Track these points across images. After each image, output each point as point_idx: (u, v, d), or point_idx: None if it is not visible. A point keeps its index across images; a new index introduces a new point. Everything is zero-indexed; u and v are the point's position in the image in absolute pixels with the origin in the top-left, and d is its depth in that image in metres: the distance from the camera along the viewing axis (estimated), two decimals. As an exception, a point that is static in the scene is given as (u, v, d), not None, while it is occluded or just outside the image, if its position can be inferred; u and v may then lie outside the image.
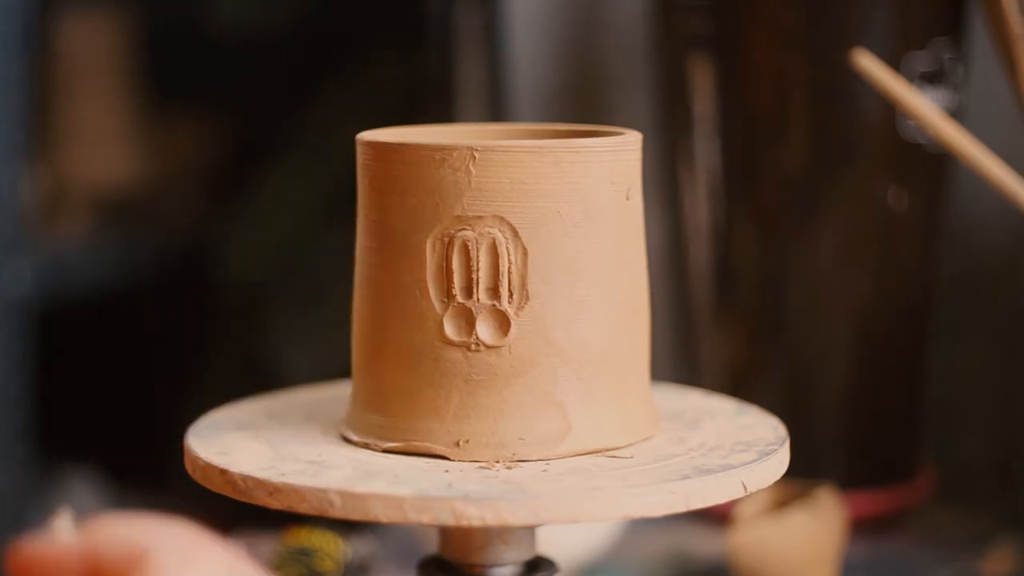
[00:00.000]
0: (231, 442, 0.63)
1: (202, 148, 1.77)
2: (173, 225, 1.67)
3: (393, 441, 0.61)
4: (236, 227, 1.62)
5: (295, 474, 0.58)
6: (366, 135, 0.63)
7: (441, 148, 0.60)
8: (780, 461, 0.61)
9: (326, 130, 1.60)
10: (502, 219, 0.59)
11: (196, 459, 0.61)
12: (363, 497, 0.56)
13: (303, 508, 0.57)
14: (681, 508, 0.57)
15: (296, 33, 1.77)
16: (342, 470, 0.59)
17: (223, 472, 0.60)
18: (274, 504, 0.58)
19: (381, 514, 0.56)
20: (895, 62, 0.98)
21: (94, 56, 1.66)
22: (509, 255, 0.59)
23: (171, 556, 0.48)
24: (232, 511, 0.71)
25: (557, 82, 1.30)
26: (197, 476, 0.61)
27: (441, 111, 1.35)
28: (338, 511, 0.56)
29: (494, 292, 0.60)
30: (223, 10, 1.80)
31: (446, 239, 0.60)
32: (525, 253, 0.59)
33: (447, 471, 0.59)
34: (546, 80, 1.30)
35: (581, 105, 1.30)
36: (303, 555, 0.94)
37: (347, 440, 0.63)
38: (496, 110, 1.31)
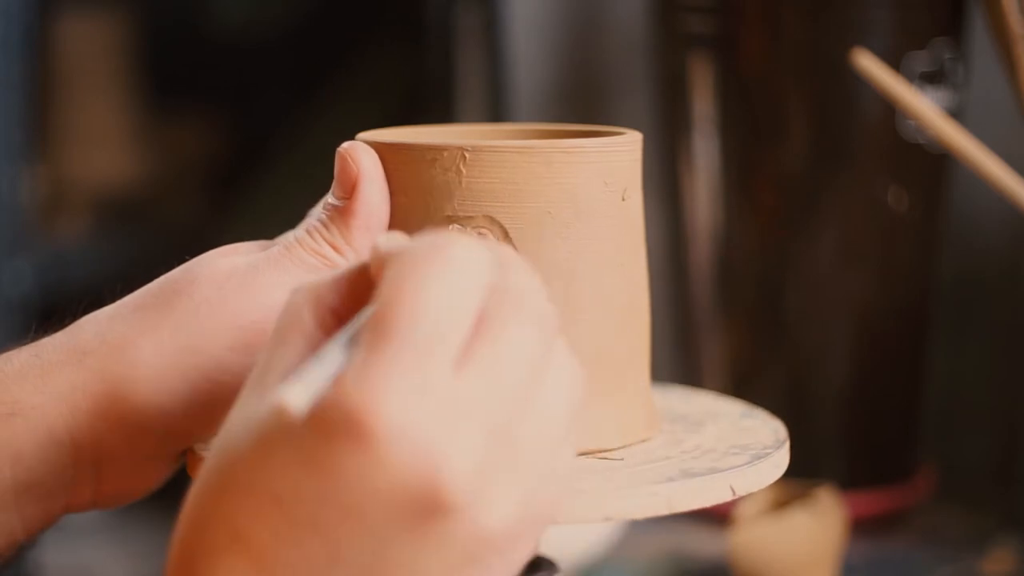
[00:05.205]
0: None
1: (202, 148, 1.77)
2: (173, 225, 1.67)
3: None
4: (236, 227, 1.62)
5: None
6: (364, 135, 0.63)
7: (432, 148, 0.59)
8: (774, 465, 0.61)
9: (326, 130, 1.60)
10: (492, 219, 0.59)
11: None
12: None
13: None
14: (663, 511, 0.56)
15: (296, 33, 1.77)
16: None
17: (193, 455, 0.61)
18: None
19: None
20: (895, 62, 0.98)
21: (94, 56, 1.67)
22: None
23: (419, 248, 0.46)
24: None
25: (557, 82, 1.30)
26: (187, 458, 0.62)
27: (441, 111, 1.35)
28: None
29: None
30: (223, 10, 1.81)
31: None
32: None
33: None
34: (546, 80, 1.30)
35: (581, 105, 1.30)
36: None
37: None
38: (496, 110, 1.31)
